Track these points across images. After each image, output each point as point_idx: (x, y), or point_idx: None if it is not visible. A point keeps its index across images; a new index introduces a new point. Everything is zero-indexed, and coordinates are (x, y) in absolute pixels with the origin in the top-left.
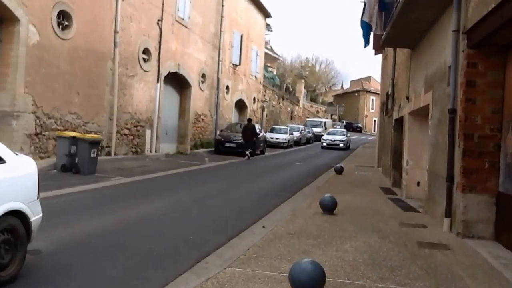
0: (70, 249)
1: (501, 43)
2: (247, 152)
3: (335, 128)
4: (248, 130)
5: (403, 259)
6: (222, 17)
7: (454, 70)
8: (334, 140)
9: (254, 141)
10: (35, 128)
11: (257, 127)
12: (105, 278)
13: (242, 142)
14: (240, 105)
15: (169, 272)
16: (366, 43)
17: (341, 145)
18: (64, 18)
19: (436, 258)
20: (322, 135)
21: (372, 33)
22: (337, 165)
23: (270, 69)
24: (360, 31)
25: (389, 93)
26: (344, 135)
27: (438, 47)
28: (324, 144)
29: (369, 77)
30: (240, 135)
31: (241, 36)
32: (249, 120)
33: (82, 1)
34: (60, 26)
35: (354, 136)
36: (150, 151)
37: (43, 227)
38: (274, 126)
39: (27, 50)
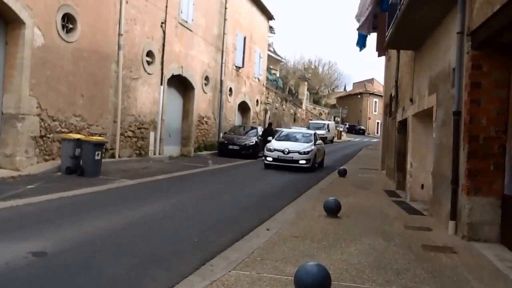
0: (76, 249)
1: (506, 43)
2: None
3: (300, 128)
4: (268, 133)
5: (409, 262)
6: (225, 19)
7: (458, 72)
8: (288, 152)
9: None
10: (40, 131)
11: (260, 129)
12: (110, 277)
13: (247, 145)
14: (243, 107)
15: (174, 272)
16: (362, 46)
17: (302, 162)
18: (68, 21)
19: (442, 261)
20: (326, 137)
21: (375, 36)
22: (341, 167)
23: (273, 71)
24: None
25: (392, 95)
26: (311, 141)
27: (442, 48)
28: (269, 158)
29: (372, 79)
30: (244, 137)
31: (244, 38)
32: (270, 124)
33: (86, 4)
34: (65, 29)
35: (357, 139)
36: (154, 154)
37: (49, 228)
38: (277, 129)
39: (32, 53)
